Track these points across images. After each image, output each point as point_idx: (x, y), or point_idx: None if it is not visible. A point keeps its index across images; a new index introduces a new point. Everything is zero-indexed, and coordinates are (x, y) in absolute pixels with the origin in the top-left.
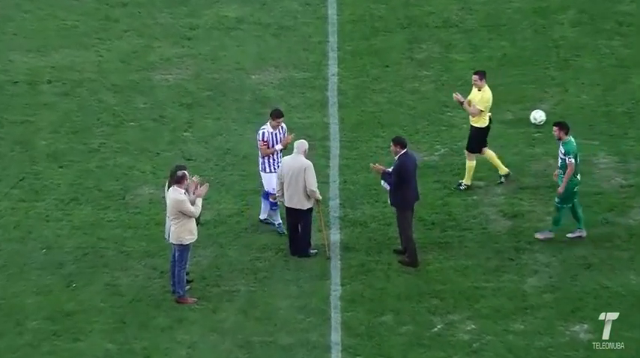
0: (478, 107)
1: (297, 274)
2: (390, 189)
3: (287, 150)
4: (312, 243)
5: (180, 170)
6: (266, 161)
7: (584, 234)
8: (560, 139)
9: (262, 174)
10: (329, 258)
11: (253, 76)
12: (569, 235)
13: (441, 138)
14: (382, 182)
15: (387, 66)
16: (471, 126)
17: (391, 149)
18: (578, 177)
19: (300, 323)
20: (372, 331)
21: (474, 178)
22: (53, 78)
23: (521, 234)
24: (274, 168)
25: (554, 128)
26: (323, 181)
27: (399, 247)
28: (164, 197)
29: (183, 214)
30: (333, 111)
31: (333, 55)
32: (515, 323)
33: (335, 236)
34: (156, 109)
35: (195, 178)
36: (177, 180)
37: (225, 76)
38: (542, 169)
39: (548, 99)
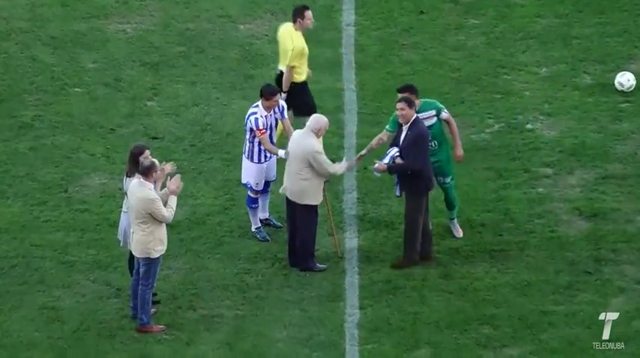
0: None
1: (300, 293)
2: (400, 172)
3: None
4: (318, 253)
5: (140, 150)
6: (255, 146)
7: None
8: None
9: (245, 161)
10: (341, 258)
11: (242, 26)
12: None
13: (495, 109)
14: (396, 187)
15: (422, 12)
16: (297, 84)
17: (400, 113)
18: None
19: None
20: None
21: (540, 164)
22: None
23: (602, 239)
24: (264, 158)
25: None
26: None
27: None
28: (121, 189)
29: (153, 218)
30: (348, 73)
31: None
32: None
33: (351, 241)
34: (109, 71)
35: (168, 166)
36: (143, 171)
37: (203, 26)
38: (632, 152)
39: (639, 56)
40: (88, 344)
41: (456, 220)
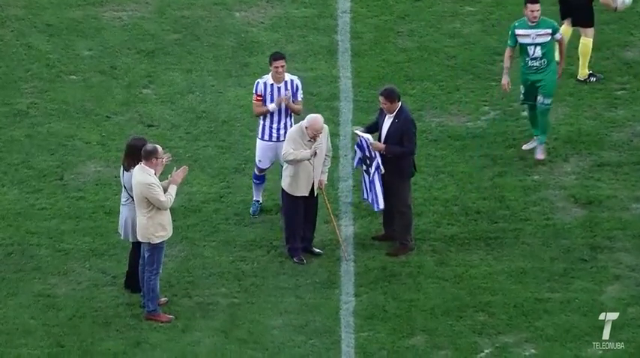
0: None
1: (295, 281)
2: (395, 151)
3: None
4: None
5: (139, 143)
6: (260, 123)
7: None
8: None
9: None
10: (347, 260)
11: (237, 14)
12: (527, 146)
13: (491, 97)
14: (372, 174)
15: None
16: None
17: (384, 107)
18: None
19: (299, 347)
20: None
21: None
22: None
23: (598, 226)
24: (268, 136)
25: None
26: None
27: (381, 232)
28: (117, 177)
29: (153, 203)
30: (344, 60)
31: None
32: (589, 347)
33: (347, 229)
34: (105, 58)
35: (166, 157)
36: (145, 156)
37: (198, 13)
38: (627, 139)
39: (635, 44)
40: (83, 332)
41: (543, 145)
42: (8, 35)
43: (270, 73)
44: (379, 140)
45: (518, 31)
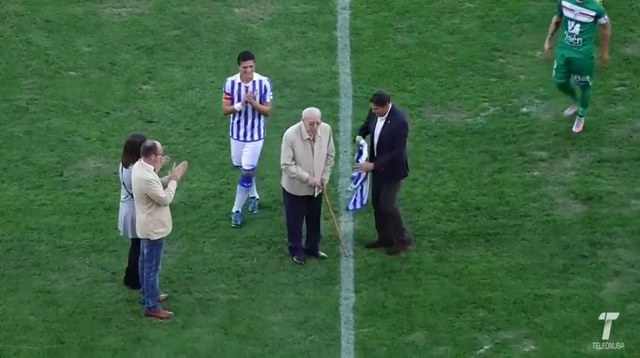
0: None
1: (295, 277)
2: (384, 161)
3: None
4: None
5: (138, 139)
6: (230, 121)
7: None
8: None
9: None
10: (347, 256)
11: (237, 10)
12: (568, 111)
13: (490, 93)
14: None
15: None
16: None
17: (376, 111)
18: None
19: (299, 343)
20: (396, 354)
21: (536, 148)
22: None
23: (597, 222)
24: (236, 134)
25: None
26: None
27: (376, 237)
28: (116, 173)
29: (153, 200)
30: (344, 57)
31: None
32: (589, 343)
33: (347, 225)
34: (104, 54)
35: (164, 158)
36: (144, 152)
37: (198, 10)
38: (627, 135)
39: (634, 40)
40: (83, 328)
41: (583, 118)
42: (8, 31)
43: (239, 73)
44: (372, 143)
45: (564, 3)
